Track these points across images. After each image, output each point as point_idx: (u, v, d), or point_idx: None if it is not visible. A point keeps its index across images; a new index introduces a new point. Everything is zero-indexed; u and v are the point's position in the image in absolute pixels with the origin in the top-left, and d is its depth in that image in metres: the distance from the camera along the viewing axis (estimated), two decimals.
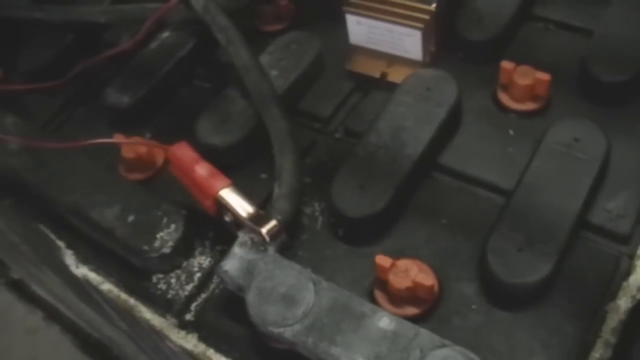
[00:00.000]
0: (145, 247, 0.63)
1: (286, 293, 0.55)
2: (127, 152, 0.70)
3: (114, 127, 0.75)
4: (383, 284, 0.57)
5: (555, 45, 0.73)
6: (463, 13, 0.74)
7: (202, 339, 0.61)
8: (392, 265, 0.56)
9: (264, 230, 0.57)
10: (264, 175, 0.68)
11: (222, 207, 0.60)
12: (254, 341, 0.58)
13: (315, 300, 0.54)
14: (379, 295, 0.58)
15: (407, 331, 0.51)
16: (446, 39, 0.73)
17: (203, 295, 0.63)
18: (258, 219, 0.58)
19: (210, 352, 0.60)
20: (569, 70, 0.69)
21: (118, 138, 0.71)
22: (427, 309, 0.57)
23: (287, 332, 0.53)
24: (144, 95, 0.76)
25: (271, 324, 0.54)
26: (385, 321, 0.52)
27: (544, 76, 0.65)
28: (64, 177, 0.69)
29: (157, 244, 0.63)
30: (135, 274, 0.65)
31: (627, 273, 0.57)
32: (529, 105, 0.67)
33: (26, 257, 0.99)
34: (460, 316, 0.57)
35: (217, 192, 0.60)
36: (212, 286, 0.63)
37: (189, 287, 0.63)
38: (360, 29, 0.72)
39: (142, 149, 0.70)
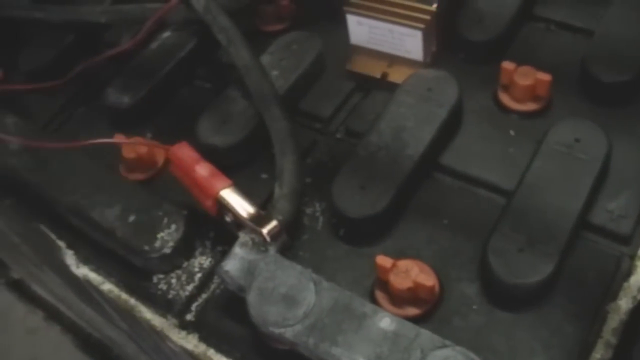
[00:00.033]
0: (146, 247, 0.63)
1: (287, 293, 0.55)
2: (128, 152, 0.70)
3: (115, 127, 0.75)
4: (384, 285, 0.57)
5: (556, 45, 0.73)
6: (464, 13, 0.74)
7: (203, 339, 0.61)
8: (393, 265, 0.56)
9: (264, 230, 0.57)
10: (264, 176, 0.68)
11: (223, 207, 0.60)
12: (255, 341, 0.58)
13: (316, 300, 0.54)
14: (379, 295, 0.58)
15: (408, 332, 0.51)
16: (447, 39, 0.73)
17: (204, 296, 0.63)
18: (259, 220, 0.58)
19: (211, 352, 0.60)
20: (570, 71, 0.69)
21: (119, 138, 0.71)
22: (428, 310, 0.57)
23: (288, 333, 0.53)
24: (145, 96, 0.76)
25: (272, 325, 0.54)
26: (386, 322, 0.52)
27: (545, 77, 0.65)
28: (64, 177, 0.69)
29: (157, 244, 0.63)
30: (135, 274, 0.65)
31: (628, 273, 0.57)
32: (530, 106, 0.67)
33: (26, 257, 0.99)
34: (461, 316, 0.57)
35: (218, 193, 0.60)
36: (212, 286, 0.63)
37: (189, 288, 0.63)
38: (361, 29, 0.72)
39: (143, 149, 0.70)
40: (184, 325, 0.62)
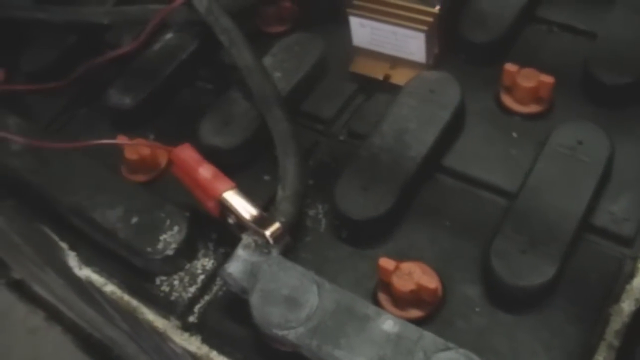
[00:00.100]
0: (149, 249, 0.63)
1: (290, 295, 0.55)
2: (131, 154, 0.70)
3: (117, 129, 0.75)
4: (387, 287, 0.57)
5: (559, 47, 0.73)
6: (466, 15, 0.74)
7: (206, 341, 0.61)
8: (396, 267, 0.56)
9: (267, 232, 0.57)
10: (267, 177, 0.68)
11: (226, 209, 0.60)
12: (257, 343, 0.58)
13: (319, 302, 0.54)
14: (382, 297, 0.58)
15: (411, 334, 0.52)
16: (449, 41, 0.73)
17: (206, 298, 0.63)
18: (262, 222, 0.58)
19: (214, 354, 0.60)
20: (572, 73, 0.69)
21: (121, 139, 0.70)
22: (430, 312, 0.57)
23: (291, 335, 0.53)
24: (147, 97, 0.76)
25: (275, 327, 0.54)
26: (389, 324, 0.52)
27: (548, 79, 0.65)
28: (66, 178, 0.69)
29: (160, 245, 0.63)
30: (138, 276, 0.65)
31: (631, 275, 0.57)
32: (533, 108, 0.67)
33: (28, 257, 0.99)
34: (464, 318, 0.57)
35: (220, 195, 0.60)
36: (215, 288, 0.63)
37: (192, 289, 0.63)
38: (364, 31, 0.72)
39: (145, 151, 0.70)
40: (186, 327, 0.62)
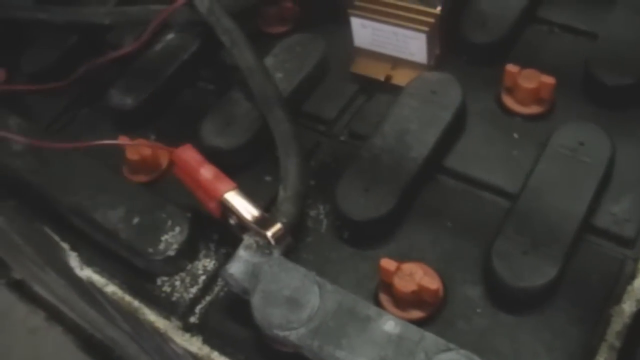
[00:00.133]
0: (150, 250, 0.63)
1: (291, 296, 0.55)
2: (132, 154, 0.70)
3: (118, 129, 0.75)
4: (388, 287, 0.57)
5: (560, 48, 0.73)
6: (467, 16, 0.74)
7: (207, 341, 0.61)
8: (397, 268, 0.56)
9: (269, 233, 0.57)
10: (268, 178, 0.68)
11: (227, 210, 0.60)
12: (259, 344, 0.58)
13: (320, 303, 0.54)
14: (383, 298, 0.58)
15: (413, 335, 0.52)
16: (450, 42, 0.73)
17: (207, 298, 0.63)
18: (263, 222, 0.58)
19: (215, 354, 0.60)
20: (574, 74, 0.69)
21: (123, 140, 0.71)
22: (431, 312, 0.57)
23: (292, 336, 0.53)
24: (148, 97, 0.76)
25: (276, 327, 0.54)
26: (390, 325, 0.52)
27: (549, 80, 0.65)
28: (68, 179, 0.69)
29: (161, 246, 0.63)
30: (139, 277, 0.65)
31: (632, 277, 0.57)
32: (534, 109, 0.67)
33: (29, 258, 0.99)
34: (465, 319, 0.57)
35: (222, 195, 0.60)
36: (216, 289, 0.63)
37: (193, 290, 0.63)
38: (365, 32, 0.72)
39: (147, 151, 0.70)
40: (187, 328, 0.62)
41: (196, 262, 0.65)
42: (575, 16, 0.75)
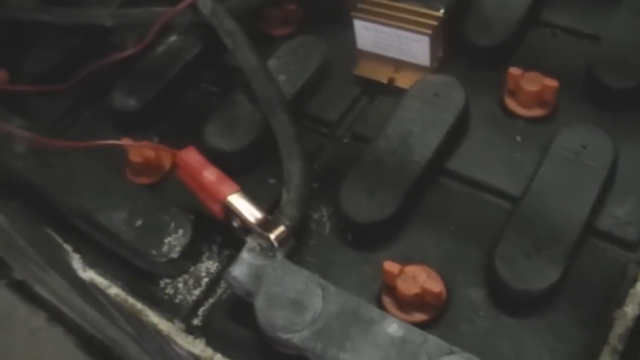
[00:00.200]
0: (153, 252, 0.63)
1: (294, 299, 0.55)
2: (135, 156, 0.70)
3: (121, 131, 0.75)
4: (391, 290, 0.57)
5: (562, 50, 0.73)
6: (470, 18, 0.74)
7: (210, 343, 0.61)
8: (401, 271, 0.56)
9: (272, 236, 0.58)
10: (271, 180, 0.68)
11: (231, 212, 0.60)
12: (262, 346, 0.58)
13: (323, 306, 0.54)
14: (386, 301, 0.58)
15: (416, 337, 0.52)
16: (453, 44, 0.73)
17: (211, 300, 0.63)
18: (266, 225, 0.58)
19: (218, 356, 0.60)
20: (576, 76, 0.70)
21: (126, 141, 0.71)
22: (434, 315, 0.57)
23: (296, 338, 0.53)
24: (151, 99, 0.76)
25: (280, 330, 0.54)
26: (393, 327, 0.52)
27: (552, 82, 0.65)
28: (71, 181, 0.70)
29: (164, 248, 0.63)
30: (142, 279, 0.65)
31: (635, 279, 0.57)
32: (537, 112, 0.68)
33: (31, 259, 0.99)
34: (468, 322, 0.57)
35: (225, 198, 0.60)
36: (219, 291, 0.63)
37: (196, 292, 0.63)
38: (368, 34, 0.72)
39: (150, 153, 0.70)
40: (190, 330, 0.62)
41: (199, 265, 0.65)
42: (578, 19, 0.75)
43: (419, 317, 0.57)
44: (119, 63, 0.80)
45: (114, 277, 0.67)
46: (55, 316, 1.59)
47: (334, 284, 0.55)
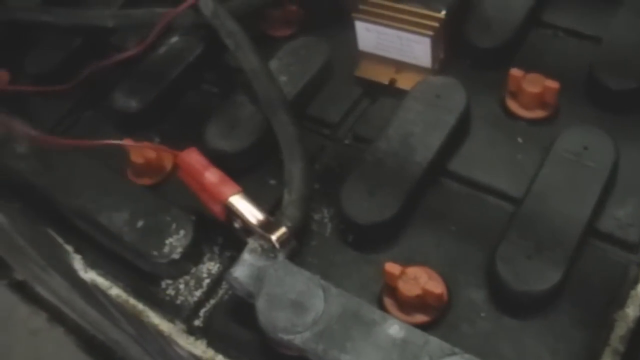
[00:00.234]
0: (154, 253, 0.63)
1: (296, 300, 0.55)
2: (136, 157, 0.70)
3: (122, 132, 0.75)
4: (392, 291, 0.57)
5: (564, 52, 0.73)
6: (472, 20, 0.74)
7: (211, 344, 0.61)
8: (402, 272, 0.56)
9: (274, 237, 0.58)
10: (272, 181, 0.68)
11: (232, 213, 0.60)
12: (263, 347, 0.58)
13: (325, 307, 0.54)
14: (388, 302, 0.58)
15: (417, 339, 0.52)
16: (455, 46, 0.73)
17: (212, 301, 0.63)
18: (268, 226, 0.58)
19: (219, 358, 0.60)
20: (578, 78, 0.70)
21: (127, 142, 0.71)
22: (436, 316, 0.57)
23: (297, 339, 0.53)
24: (153, 100, 0.76)
25: (281, 331, 0.54)
26: (395, 329, 0.52)
27: (553, 84, 0.65)
28: (72, 181, 0.70)
29: (166, 249, 0.63)
30: (144, 279, 0.65)
31: (636, 281, 0.57)
32: (538, 113, 0.68)
33: (32, 259, 0.99)
34: (469, 323, 0.57)
35: (227, 199, 0.60)
36: (220, 292, 0.63)
37: (197, 293, 0.63)
38: (370, 36, 0.72)
39: (151, 154, 0.70)
40: (192, 331, 0.62)
41: (200, 266, 0.65)
42: (579, 20, 0.75)
43: (420, 318, 0.57)
44: (121, 64, 0.80)
45: (115, 278, 0.67)
46: (56, 317, 1.59)
47: (335, 285, 0.55)
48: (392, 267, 0.56)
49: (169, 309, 0.63)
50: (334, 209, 0.66)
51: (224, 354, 0.60)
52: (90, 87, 0.82)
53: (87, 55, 0.85)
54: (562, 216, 0.58)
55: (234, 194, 0.60)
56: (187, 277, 0.64)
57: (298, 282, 0.56)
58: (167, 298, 0.64)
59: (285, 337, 0.53)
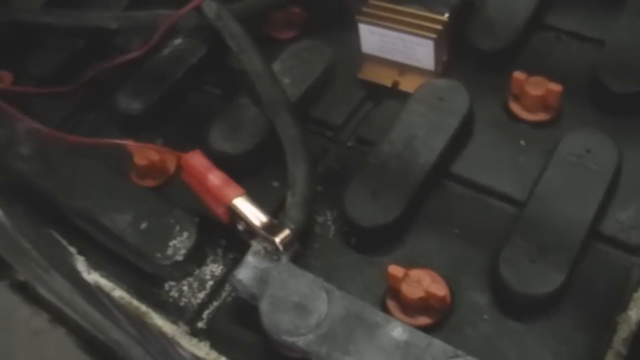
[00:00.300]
0: (158, 255, 0.63)
1: (299, 302, 0.55)
2: (140, 159, 0.70)
3: (125, 133, 0.75)
4: (395, 294, 0.57)
5: (567, 55, 0.74)
6: (475, 22, 0.74)
7: (214, 346, 0.61)
8: (405, 275, 0.56)
9: (277, 239, 0.58)
10: (275, 183, 0.68)
11: (236, 216, 0.60)
12: (266, 349, 0.58)
13: (328, 309, 0.54)
14: (391, 304, 0.58)
15: (420, 341, 0.52)
16: (458, 49, 0.73)
17: (215, 303, 0.63)
18: (271, 228, 0.59)
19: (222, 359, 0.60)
20: (580, 80, 0.70)
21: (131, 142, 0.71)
22: (439, 319, 0.57)
23: (300, 342, 0.53)
24: (156, 102, 0.77)
25: (284, 333, 0.54)
26: (398, 331, 0.52)
27: (556, 87, 0.65)
28: (75, 183, 0.70)
29: (169, 251, 0.63)
30: (147, 281, 0.65)
31: (638, 284, 0.57)
32: (541, 116, 0.68)
33: (34, 260, 0.99)
34: (472, 326, 0.57)
35: (230, 201, 0.60)
36: (224, 294, 0.63)
37: (201, 295, 0.63)
38: (373, 38, 0.72)
39: (155, 156, 0.70)
40: (195, 333, 0.62)
41: (204, 268, 0.65)
42: (582, 23, 0.75)
43: (424, 320, 0.57)
44: (124, 65, 0.80)
45: (118, 279, 0.67)
46: (58, 317, 1.59)
47: (339, 288, 0.56)
48: (395, 270, 0.56)
49: (172, 311, 0.63)
50: (337, 211, 0.66)
51: (227, 356, 0.60)
52: (94, 88, 0.82)
53: (90, 57, 0.85)
54: (565, 219, 0.58)
55: (237, 196, 0.60)
56: (190, 279, 0.64)
57: (301, 284, 0.56)
58: (171, 300, 0.64)
59: (289, 339, 0.54)
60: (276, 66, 0.74)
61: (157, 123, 0.77)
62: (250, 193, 0.61)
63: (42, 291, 1.54)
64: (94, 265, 0.68)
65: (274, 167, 0.69)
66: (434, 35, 0.69)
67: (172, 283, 0.64)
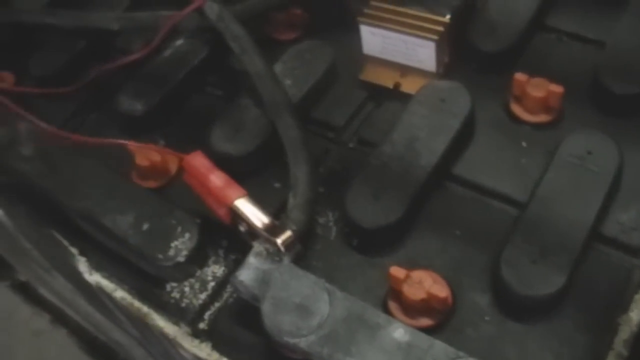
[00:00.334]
0: (160, 256, 0.63)
1: (301, 303, 0.55)
2: (141, 160, 0.70)
3: (127, 134, 0.75)
4: (397, 295, 0.57)
5: (568, 56, 0.74)
6: (476, 24, 0.74)
7: (216, 347, 0.61)
8: (407, 276, 0.56)
9: (279, 240, 0.58)
10: (277, 185, 0.69)
11: (237, 217, 0.60)
12: (268, 350, 0.59)
13: (330, 310, 0.54)
14: (392, 306, 0.58)
15: (422, 342, 0.52)
16: (459, 50, 0.73)
17: (217, 304, 0.63)
18: (273, 230, 0.59)
19: None
20: (582, 82, 0.70)
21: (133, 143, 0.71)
22: (440, 320, 0.57)
23: (302, 343, 0.53)
24: (158, 103, 0.77)
25: (286, 334, 0.54)
26: (400, 332, 0.52)
27: (557, 88, 0.66)
28: (77, 184, 0.70)
29: (171, 252, 0.63)
30: (149, 282, 0.65)
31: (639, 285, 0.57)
32: (542, 117, 0.68)
33: (35, 261, 0.99)
34: (474, 327, 0.57)
35: (232, 202, 0.60)
36: (225, 295, 0.64)
37: (202, 296, 0.63)
38: (374, 40, 0.72)
39: (156, 157, 0.70)
40: (196, 334, 0.62)
41: (205, 269, 0.65)
42: (583, 24, 0.75)
43: (425, 322, 0.57)
44: (126, 66, 0.80)
45: (120, 280, 0.67)
46: (59, 318, 1.59)
47: (340, 289, 0.56)
48: (397, 271, 0.56)
49: (174, 312, 0.63)
50: (338, 212, 0.66)
51: (229, 357, 0.60)
52: (95, 89, 0.82)
53: (91, 58, 0.85)
54: (566, 220, 0.58)
55: (239, 197, 0.60)
56: (192, 280, 0.64)
57: (303, 285, 0.56)
58: (172, 301, 0.64)
59: (291, 340, 0.54)
60: (278, 67, 0.74)
61: (159, 124, 0.77)
62: (251, 194, 0.61)
63: (44, 292, 1.54)
64: (96, 266, 0.68)
65: (275, 168, 0.69)
66: (435, 37, 0.69)
67: (174, 284, 0.64)
